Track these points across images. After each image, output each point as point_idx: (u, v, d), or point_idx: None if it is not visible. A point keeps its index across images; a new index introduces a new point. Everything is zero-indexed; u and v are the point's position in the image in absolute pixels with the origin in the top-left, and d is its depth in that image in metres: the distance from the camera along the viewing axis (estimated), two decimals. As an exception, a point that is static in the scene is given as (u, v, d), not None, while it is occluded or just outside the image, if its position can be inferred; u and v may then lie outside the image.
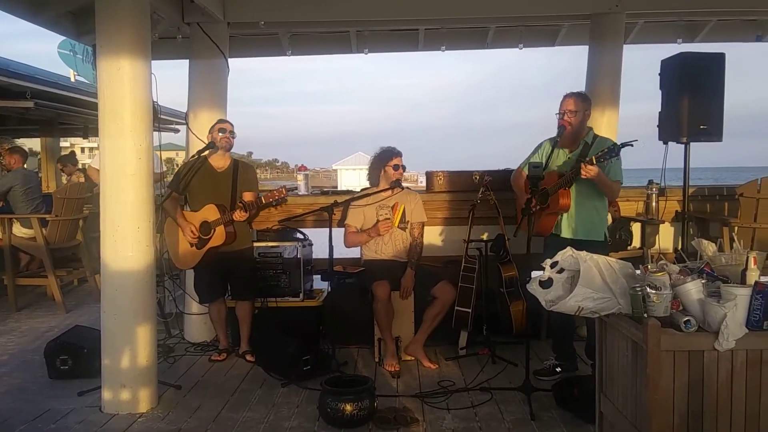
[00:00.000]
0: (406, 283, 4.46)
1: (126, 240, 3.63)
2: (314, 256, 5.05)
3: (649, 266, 2.70)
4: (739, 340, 2.36)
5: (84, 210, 6.71)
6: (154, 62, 3.80)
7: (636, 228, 5.23)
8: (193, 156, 4.71)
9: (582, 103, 4.00)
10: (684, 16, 5.85)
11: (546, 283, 2.91)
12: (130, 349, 3.65)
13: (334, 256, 4.28)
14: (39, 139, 10.88)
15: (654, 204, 5.14)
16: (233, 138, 4.57)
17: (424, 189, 5.55)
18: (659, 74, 4.92)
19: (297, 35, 6.37)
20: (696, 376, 2.41)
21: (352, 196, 4.74)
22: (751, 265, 2.46)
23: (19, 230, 6.34)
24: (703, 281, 2.55)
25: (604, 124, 5.04)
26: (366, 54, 6.62)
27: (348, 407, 3.40)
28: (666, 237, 5.37)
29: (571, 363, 4.20)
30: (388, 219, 4.57)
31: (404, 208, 4.64)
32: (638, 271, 2.77)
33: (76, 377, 4.14)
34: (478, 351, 4.61)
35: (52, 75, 8.71)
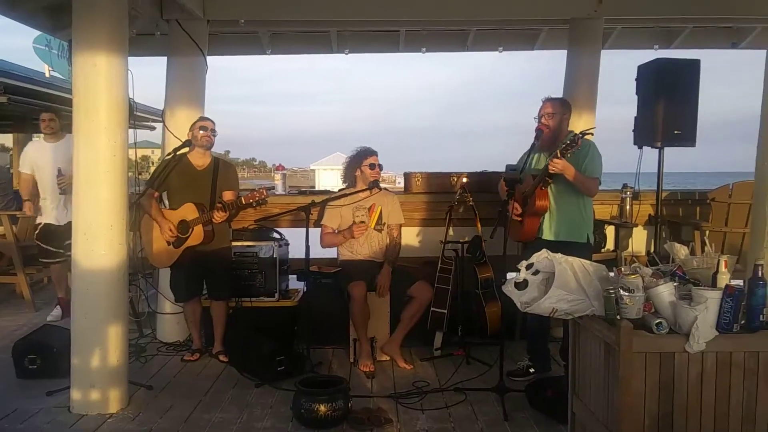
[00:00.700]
0: (382, 281, 4.45)
1: (98, 238, 3.58)
2: (290, 256, 5.02)
3: (622, 269, 2.73)
4: (710, 342, 2.38)
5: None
6: (130, 58, 3.76)
7: (610, 231, 5.29)
8: (169, 154, 4.65)
9: (560, 107, 4.03)
10: (661, 22, 5.94)
11: (521, 285, 2.93)
12: (101, 349, 3.60)
13: (311, 256, 4.25)
14: (11, 135, 10.67)
15: (628, 207, 5.20)
16: (214, 136, 4.53)
17: (402, 190, 5.56)
18: (635, 79, 4.99)
19: (277, 34, 6.34)
20: (667, 377, 2.44)
21: (329, 196, 4.72)
22: (722, 268, 2.49)
23: (-12, 227, 6.22)
24: (675, 284, 2.58)
25: (581, 128, 5.05)
26: (346, 54, 6.62)
27: (322, 408, 3.39)
28: (639, 240, 5.45)
29: (545, 364, 4.22)
30: (363, 222, 4.56)
31: (381, 210, 4.63)
32: (612, 274, 2.79)
33: (45, 377, 4.06)
34: (452, 352, 4.62)
35: (26, 70, 8.56)
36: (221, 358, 4.56)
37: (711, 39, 6.33)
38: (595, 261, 2.93)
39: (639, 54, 6.29)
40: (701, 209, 5.47)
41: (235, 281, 4.70)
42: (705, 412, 2.44)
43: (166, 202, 4.63)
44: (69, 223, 4.92)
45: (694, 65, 4.81)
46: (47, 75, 9.97)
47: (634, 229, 5.25)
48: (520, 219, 3.97)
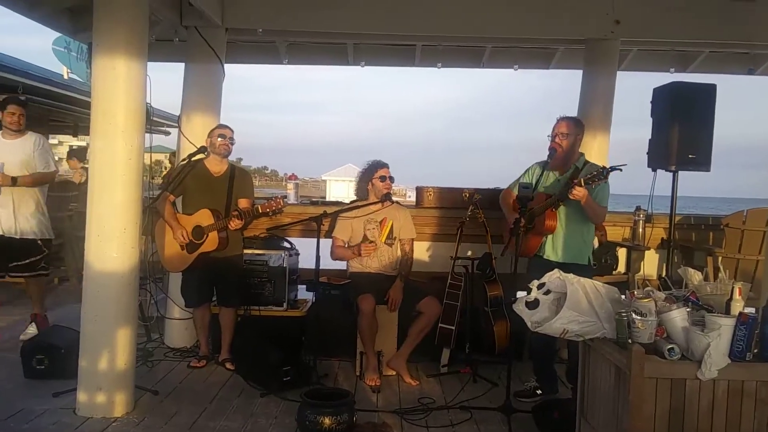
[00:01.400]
0: (394, 295, 4.44)
1: (111, 241, 3.60)
2: (300, 266, 5.02)
3: (635, 292, 2.72)
4: (722, 370, 2.37)
5: (69, 208, 6.64)
6: (148, 63, 3.78)
7: (622, 253, 5.26)
8: (184, 160, 4.68)
9: (575, 127, 4.03)
10: (677, 46, 5.93)
11: (532, 304, 2.92)
12: (109, 352, 3.60)
13: (321, 267, 4.25)
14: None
15: (640, 230, 5.18)
16: (232, 144, 4.54)
17: (414, 204, 5.56)
18: (651, 102, 4.99)
19: (294, 44, 6.39)
20: (678, 404, 2.42)
21: (341, 208, 4.73)
22: (736, 295, 2.47)
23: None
24: (688, 310, 2.56)
25: (595, 149, 5.08)
26: (363, 66, 6.66)
27: (327, 420, 3.37)
28: (651, 263, 5.41)
29: (552, 386, 4.19)
30: (372, 243, 4.56)
31: (392, 225, 4.63)
32: (624, 297, 2.77)
33: (52, 378, 4.07)
34: (459, 369, 4.59)
35: (45, 71, 8.66)
36: (228, 366, 4.56)
37: (727, 64, 6.32)
38: (606, 283, 2.92)
39: (655, 77, 6.28)
40: (714, 235, 5.44)
41: (244, 289, 4.70)
42: (715, 441, 2.41)
43: (179, 207, 4.64)
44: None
45: (710, 90, 4.80)
46: (65, 77, 10.07)
47: (647, 252, 5.22)
48: (523, 231, 3.96)
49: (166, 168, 8.88)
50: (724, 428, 2.43)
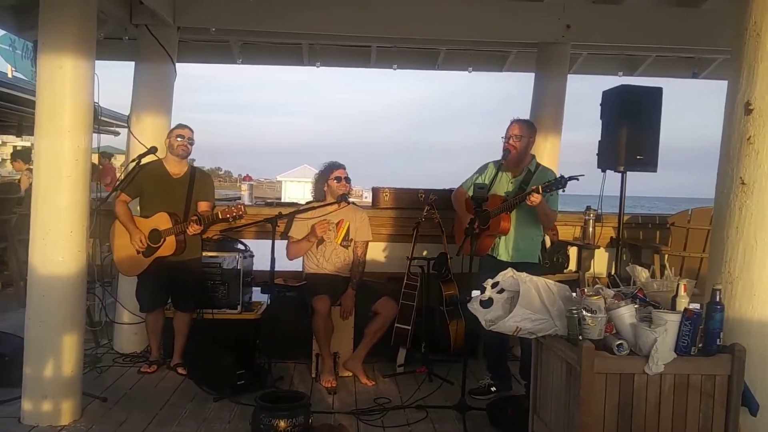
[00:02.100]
0: (346, 303, 4.44)
1: (57, 244, 3.49)
2: (255, 268, 4.96)
3: (585, 290, 2.77)
4: (668, 364, 2.43)
5: (13, 211, 6.41)
6: (96, 62, 3.69)
7: (573, 252, 5.37)
8: (133, 160, 4.58)
9: (527, 129, 4.10)
10: (625, 50, 6.12)
11: (486, 303, 2.94)
12: (55, 358, 3.49)
13: (276, 269, 4.21)
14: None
15: (591, 229, 5.29)
16: (191, 145, 4.44)
17: (370, 204, 5.56)
18: (600, 104, 5.09)
19: (248, 44, 6.33)
20: (626, 398, 2.47)
21: (297, 209, 4.69)
22: (681, 292, 2.54)
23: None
24: (635, 306, 2.62)
25: (547, 150, 5.18)
26: (318, 67, 6.64)
27: (282, 423, 3.33)
28: (601, 261, 5.54)
29: (506, 383, 4.25)
30: (326, 221, 4.52)
31: (349, 226, 4.62)
32: (574, 294, 2.83)
33: (-5, 386, 3.92)
34: (415, 369, 4.61)
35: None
36: (179, 370, 4.47)
37: (673, 68, 6.54)
38: (558, 281, 2.97)
39: (604, 80, 6.45)
40: (661, 233, 5.59)
41: (199, 293, 4.61)
42: (662, 433, 2.48)
43: (137, 209, 4.54)
44: None
45: (656, 93, 4.93)
46: (9, 75, 9.74)
47: (596, 250, 5.34)
48: (477, 232, 4.01)
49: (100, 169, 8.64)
50: (671, 420, 2.50)
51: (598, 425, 2.48)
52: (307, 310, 4.42)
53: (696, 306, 2.51)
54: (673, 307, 2.55)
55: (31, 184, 6.12)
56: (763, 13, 2.61)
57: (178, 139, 4.38)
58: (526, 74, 6.06)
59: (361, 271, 4.59)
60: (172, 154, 4.40)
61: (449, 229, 4.68)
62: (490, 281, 2.98)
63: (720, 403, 2.48)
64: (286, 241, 4.67)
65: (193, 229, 4.20)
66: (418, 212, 4.82)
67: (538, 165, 4.12)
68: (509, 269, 2.97)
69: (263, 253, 4.45)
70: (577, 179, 3.75)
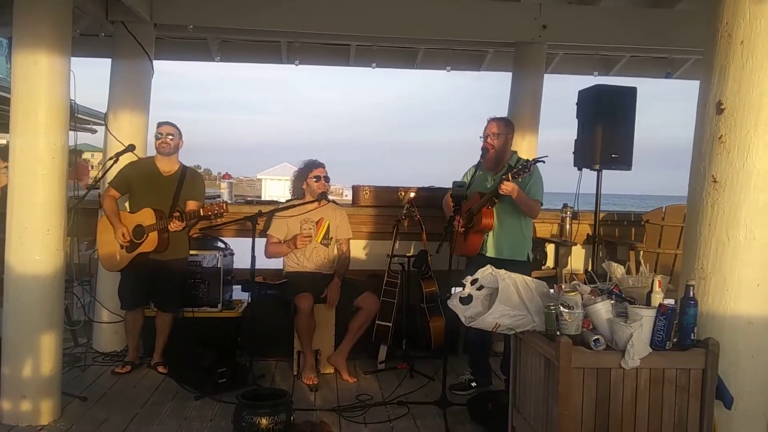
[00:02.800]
0: (332, 292, 4.43)
1: (34, 243, 3.46)
2: (235, 266, 4.96)
3: (562, 286, 2.82)
4: (644, 359, 2.48)
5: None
6: (73, 59, 3.66)
7: (550, 249, 5.44)
8: (111, 158, 4.55)
9: (504, 126, 4.15)
10: (600, 50, 6.19)
11: (466, 300, 2.97)
12: (33, 358, 3.46)
13: (256, 267, 4.21)
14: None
15: (568, 227, 5.36)
16: (172, 141, 4.40)
17: (350, 203, 5.57)
18: (576, 104, 5.16)
19: (227, 42, 6.29)
20: (603, 392, 2.52)
21: (277, 207, 4.69)
22: (656, 287, 2.60)
23: None
24: (612, 302, 2.67)
25: (524, 149, 5.23)
26: (297, 65, 6.62)
27: (264, 421, 3.33)
28: (578, 258, 5.62)
29: (486, 378, 4.30)
30: (308, 235, 4.54)
31: (329, 225, 4.63)
32: (552, 291, 2.87)
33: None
34: (396, 365, 4.65)
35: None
36: (160, 369, 4.45)
37: (647, 68, 6.65)
38: (536, 278, 3.01)
39: (580, 80, 6.54)
40: (636, 230, 5.69)
41: (182, 292, 4.59)
42: (639, 427, 2.53)
43: (126, 205, 4.51)
44: None
45: (631, 92, 5.00)
46: (-18, 72, 9.56)
47: (573, 247, 5.41)
48: (463, 232, 4.04)
49: (93, 167, 8.56)
50: (647, 414, 2.55)
51: (576, 419, 2.52)
52: (288, 307, 4.43)
53: (670, 301, 2.56)
54: (648, 303, 2.60)
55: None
56: (734, 14, 2.68)
57: (156, 138, 4.38)
58: (503, 73, 6.12)
59: (347, 266, 4.62)
60: (157, 152, 4.39)
61: (429, 226, 4.71)
62: (469, 278, 3.01)
63: (695, 397, 2.54)
64: (265, 240, 4.68)
65: (174, 224, 4.18)
66: (398, 210, 4.85)
67: (518, 159, 4.15)
68: (488, 266, 3.00)
69: (243, 252, 4.45)
70: (543, 161, 3.86)
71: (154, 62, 5.09)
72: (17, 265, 3.47)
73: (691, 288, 2.55)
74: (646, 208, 5.72)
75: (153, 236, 4.24)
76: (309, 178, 4.62)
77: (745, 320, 2.68)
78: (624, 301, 2.73)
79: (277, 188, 40.05)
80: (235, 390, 3.78)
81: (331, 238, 4.65)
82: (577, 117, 5.15)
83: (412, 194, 4.90)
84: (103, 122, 5.11)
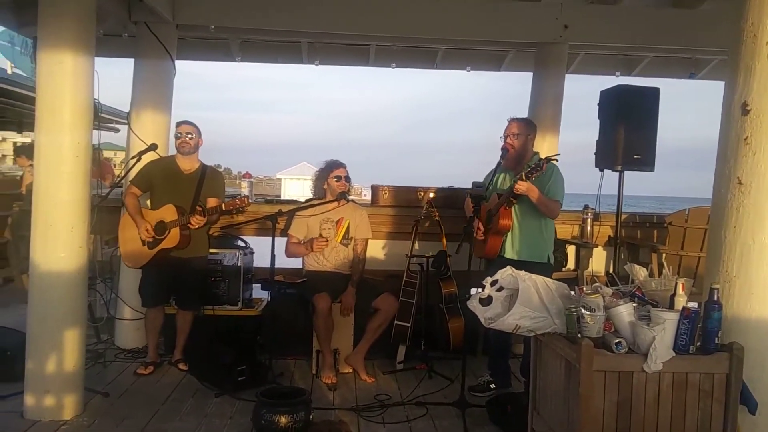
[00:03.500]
0: (347, 301, 4.46)
1: (58, 240, 3.51)
2: (255, 265, 4.99)
3: (584, 288, 2.79)
4: (667, 362, 2.45)
5: (14, 207, 6.41)
6: (96, 59, 3.70)
7: (571, 250, 5.40)
8: (133, 157, 4.60)
9: (525, 127, 4.12)
10: (622, 50, 6.13)
11: (485, 301, 2.96)
12: (57, 354, 3.51)
13: (276, 266, 4.23)
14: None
15: (589, 228, 5.32)
16: (191, 140, 4.43)
17: (369, 202, 5.58)
18: (598, 104, 5.12)
19: (247, 42, 6.32)
20: (625, 396, 2.50)
21: (297, 206, 4.71)
22: (680, 290, 2.57)
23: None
24: (634, 305, 2.65)
25: (545, 149, 5.18)
26: (317, 66, 6.64)
27: (283, 419, 3.36)
28: (599, 260, 5.57)
29: (505, 380, 4.27)
30: (325, 239, 4.55)
31: (349, 224, 4.64)
32: (573, 293, 2.85)
33: (-2, 381, 3.93)
34: (415, 366, 4.64)
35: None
36: (180, 366, 4.49)
37: (670, 68, 6.56)
38: (556, 279, 2.99)
39: (601, 80, 6.48)
40: (658, 232, 5.63)
41: (203, 291, 4.62)
42: (661, 431, 2.51)
43: (148, 203, 4.55)
44: None
45: (653, 93, 4.95)
46: (9, 72, 9.71)
47: (594, 249, 5.37)
48: (482, 237, 4.03)
49: (115, 166, 8.67)
50: (670, 418, 2.52)
51: (597, 422, 2.50)
52: (307, 307, 4.45)
53: (694, 305, 2.53)
54: (671, 306, 2.58)
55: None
56: (760, 14, 2.64)
57: (176, 138, 4.42)
58: (524, 74, 6.09)
59: (362, 269, 4.61)
60: (177, 151, 4.43)
61: (448, 227, 4.70)
62: (489, 279, 3.00)
63: (719, 402, 2.50)
64: (285, 239, 4.70)
65: (196, 220, 4.20)
66: (418, 210, 4.85)
67: (540, 160, 4.11)
68: (508, 267, 2.99)
69: (263, 251, 4.48)
70: (556, 160, 3.83)
71: (176, 62, 5.13)
72: (42, 263, 3.52)
73: (716, 291, 2.51)
74: (669, 210, 5.65)
75: (175, 232, 4.27)
76: (330, 177, 4.63)
77: (771, 325, 2.64)
78: (646, 304, 2.70)
79: (296, 188, 40.24)
80: (255, 388, 3.81)
81: (351, 238, 4.66)
82: (599, 117, 5.11)
83: (432, 194, 4.89)
84: (126, 121, 5.17)
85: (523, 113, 5.23)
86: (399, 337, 4.59)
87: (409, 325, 4.56)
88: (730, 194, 2.72)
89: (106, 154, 9.05)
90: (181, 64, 5.24)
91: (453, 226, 4.64)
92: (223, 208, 4.25)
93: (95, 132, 3.99)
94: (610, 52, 6.24)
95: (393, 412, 3.87)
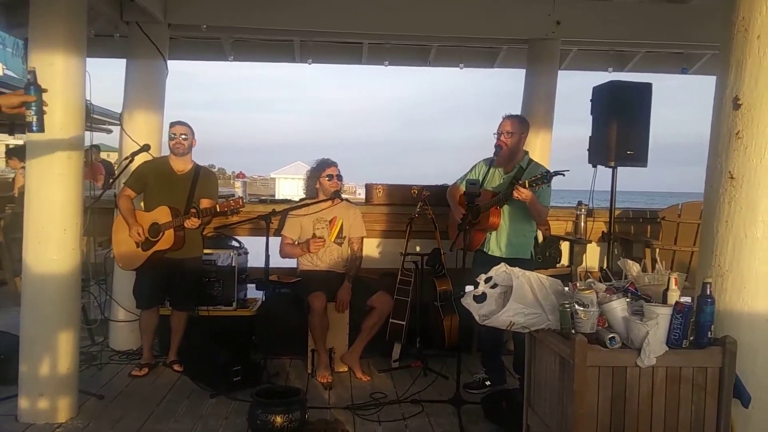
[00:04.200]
0: (342, 296, 4.45)
1: (50, 242, 3.50)
2: (249, 265, 4.98)
3: (577, 284, 2.80)
4: (660, 357, 2.46)
5: (6, 209, 6.38)
6: (88, 60, 3.69)
7: (565, 246, 5.41)
8: (126, 158, 4.58)
9: (519, 125, 4.13)
10: (614, 46, 6.14)
11: (480, 298, 2.96)
12: (50, 356, 3.50)
13: (270, 266, 4.23)
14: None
15: (582, 224, 5.33)
16: (186, 141, 4.42)
17: (363, 201, 5.58)
18: (591, 100, 5.13)
19: (240, 41, 6.31)
20: (619, 391, 2.50)
21: (290, 206, 4.70)
22: (672, 285, 2.57)
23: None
24: (627, 300, 2.65)
25: (538, 146, 5.21)
26: (309, 64, 6.63)
27: (278, 419, 3.35)
28: (593, 256, 5.58)
29: (500, 377, 4.28)
30: (321, 238, 4.55)
31: (342, 223, 4.63)
32: (567, 289, 2.85)
33: (-9, 384, 3.92)
34: (410, 363, 4.65)
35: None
36: (175, 367, 4.48)
37: (662, 64, 6.57)
38: (550, 276, 3.00)
39: (594, 76, 6.49)
40: (652, 227, 5.65)
41: (197, 291, 4.61)
42: (655, 425, 2.51)
43: (141, 204, 4.54)
44: None
45: (646, 88, 4.97)
46: (0, 74, 9.66)
47: (588, 245, 5.38)
48: (467, 228, 4.03)
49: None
50: (663, 413, 2.53)
51: (592, 418, 2.51)
52: (302, 306, 4.44)
53: (687, 299, 2.53)
54: (664, 301, 2.58)
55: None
56: (751, 9, 2.64)
57: (170, 139, 4.41)
58: (517, 70, 6.09)
59: (358, 266, 4.62)
60: (171, 152, 4.41)
61: (442, 224, 4.71)
62: (483, 276, 3.00)
63: (712, 395, 2.51)
64: (280, 239, 4.69)
65: (191, 222, 4.20)
66: (411, 208, 4.84)
67: (530, 161, 4.14)
68: (502, 264, 2.99)
69: (257, 251, 4.48)
70: (563, 174, 3.81)
71: (169, 62, 5.12)
72: (34, 265, 3.50)
73: (708, 285, 2.52)
74: (662, 205, 5.67)
75: (169, 234, 4.26)
76: (322, 177, 4.62)
77: (764, 318, 2.65)
78: (640, 299, 2.70)
79: (290, 187, 40.13)
80: (250, 388, 3.81)
81: (345, 236, 4.66)
82: (592, 113, 5.12)
83: (425, 192, 4.88)
84: (118, 122, 5.15)
85: (516, 110, 5.24)
86: (394, 336, 4.60)
87: (404, 323, 4.57)
88: (722, 189, 2.73)
89: (102, 155, 9.04)
90: (173, 64, 5.24)
91: (447, 224, 4.64)
92: (218, 210, 4.24)
93: (87, 133, 3.96)
94: (602, 48, 6.26)
95: (389, 410, 3.87)
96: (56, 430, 3.45)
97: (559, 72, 5.56)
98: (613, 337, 2.51)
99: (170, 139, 4.40)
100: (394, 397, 4.08)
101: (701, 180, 2.93)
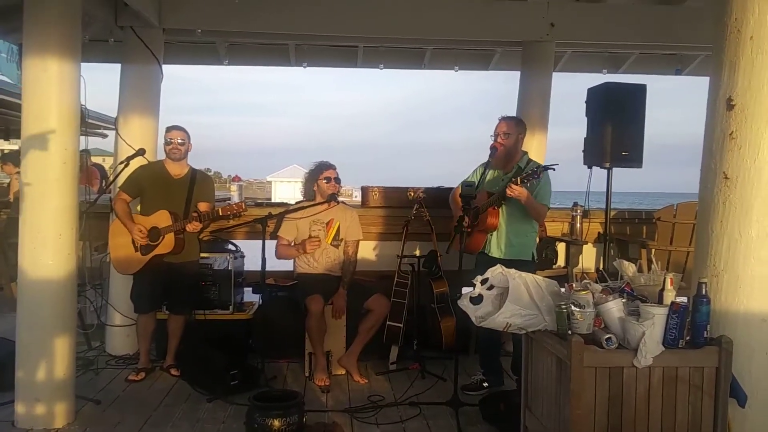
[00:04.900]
0: (338, 303, 4.45)
1: (46, 247, 3.49)
2: (246, 268, 4.97)
3: (573, 285, 2.80)
4: (657, 357, 2.46)
5: (1, 214, 6.37)
6: (83, 64, 3.68)
7: (561, 248, 5.42)
8: (121, 162, 4.57)
9: (515, 126, 4.14)
10: (609, 48, 6.17)
11: (476, 300, 2.97)
12: (47, 362, 3.49)
13: (267, 269, 4.22)
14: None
15: (578, 225, 5.34)
16: (182, 146, 4.41)
17: (359, 203, 5.58)
18: (585, 102, 5.14)
19: (235, 45, 6.32)
20: (616, 391, 2.51)
21: (287, 209, 4.70)
22: (668, 285, 2.58)
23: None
24: (623, 300, 2.66)
25: (534, 148, 5.21)
26: (305, 67, 6.63)
27: (276, 423, 3.35)
28: (588, 257, 5.59)
29: (498, 378, 4.29)
30: (317, 238, 4.54)
31: (339, 225, 4.63)
32: (563, 290, 2.86)
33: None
34: (408, 366, 4.65)
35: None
36: (172, 372, 4.47)
37: (656, 65, 6.61)
38: (547, 277, 3.00)
39: (589, 77, 6.52)
40: (647, 228, 5.67)
41: (194, 295, 4.61)
42: (652, 425, 2.52)
43: (138, 209, 4.53)
44: None
45: (640, 90, 4.98)
46: (-6, 79, 9.64)
47: (584, 246, 5.39)
48: (469, 230, 4.04)
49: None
50: (660, 413, 2.54)
51: (589, 418, 2.51)
52: (299, 309, 4.44)
53: (683, 299, 2.54)
54: (660, 301, 2.59)
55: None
56: (744, 10, 2.65)
57: (166, 144, 4.40)
58: (512, 73, 6.11)
59: (353, 271, 4.61)
60: (167, 157, 4.41)
61: (439, 227, 4.71)
62: (479, 278, 3.01)
63: (708, 395, 2.52)
64: (275, 241, 4.69)
65: (192, 226, 4.19)
66: (408, 211, 4.84)
67: (529, 161, 4.15)
68: (498, 266, 3.00)
69: (254, 254, 4.47)
70: (553, 169, 3.85)
71: (163, 66, 5.12)
72: (30, 270, 3.49)
73: (704, 285, 2.53)
74: (657, 205, 5.69)
75: (169, 238, 4.25)
76: (319, 179, 4.62)
77: (759, 317, 2.66)
78: (636, 299, 2.71)
79: (286, 190, 40.12)
80: (247, 392, 3.79)
81: (342, 239, 4.65)
82: (587, 115, 5.13)
83: (422, 194, 4.89)
84: (113, 127, 5.14)
85: (512, 112, 5.26)
86: (391, 338, 4.59)
87: (401, 325, 4.56)
88: (717, 189, 2.74)
89: (95, 159, 9.01)
90: (168, 68, 5.25)
91: (443, 226, 4.64)
92: (221, 213, 4.23)
93: (82, 138, 3.96)
94: (596, 49, 6.28)
95: (386, 412, 3.87)
96: (53, 435, 3.44)
97: (554, 74, 5.57)
98: (610, 338, 2.51)
99: (166, 144, 4.39)
100: (391, 399, 4.08)
101: (696, 180, 2.94)
